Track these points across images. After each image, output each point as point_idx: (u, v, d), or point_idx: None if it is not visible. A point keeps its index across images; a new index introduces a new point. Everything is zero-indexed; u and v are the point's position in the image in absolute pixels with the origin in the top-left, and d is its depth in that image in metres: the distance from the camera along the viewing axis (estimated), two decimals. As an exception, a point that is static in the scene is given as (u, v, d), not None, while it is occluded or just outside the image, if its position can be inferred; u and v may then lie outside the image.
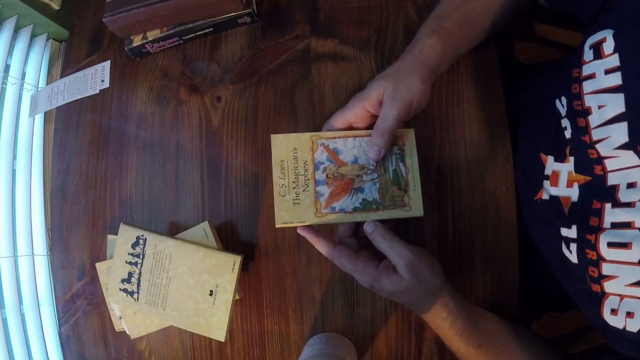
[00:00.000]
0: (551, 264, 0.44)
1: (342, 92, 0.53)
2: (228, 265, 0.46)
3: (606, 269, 0.35)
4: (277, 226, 0.43)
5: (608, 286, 0.35)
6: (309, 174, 0.44)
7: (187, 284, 0.46)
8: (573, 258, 0.39)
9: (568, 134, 0.40)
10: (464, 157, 0.50)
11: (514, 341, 0.43)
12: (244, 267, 0.50)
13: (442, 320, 0.41)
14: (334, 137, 0.45)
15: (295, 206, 0.44)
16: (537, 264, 0.49)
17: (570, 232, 0.39)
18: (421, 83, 0.43)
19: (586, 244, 0.37)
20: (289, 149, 0.44)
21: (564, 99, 0.41)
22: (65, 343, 0.57)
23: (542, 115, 0.46)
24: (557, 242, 0.41)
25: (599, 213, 0.36)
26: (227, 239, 0.53)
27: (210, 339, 0.52)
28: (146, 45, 0.57)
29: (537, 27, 0.66)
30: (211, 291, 0.46)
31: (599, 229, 0.36)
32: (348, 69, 0.54)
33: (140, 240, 0.48)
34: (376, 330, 0.50)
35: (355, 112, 0.44)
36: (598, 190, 0.37)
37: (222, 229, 0.53)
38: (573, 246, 0.39)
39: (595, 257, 0.36)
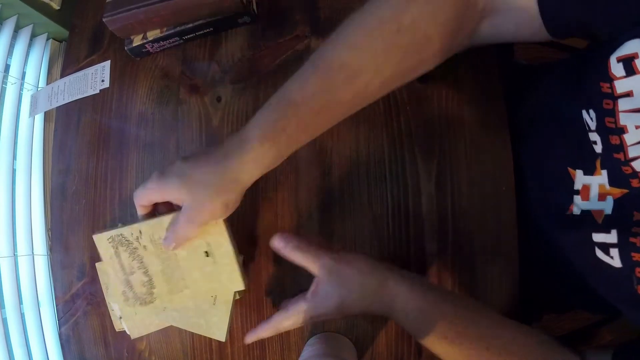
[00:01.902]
0: (580, 270, 0.42)
1: (342, 92, 0.53)
2: None
3: None
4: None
5: None
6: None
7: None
8: (615, 262, 0.37)
9: (598, 148, 0.38)
10: (464, 157, 0.50)
11: (481, 304, 0.44)
12: (245, 268, 0.50)
13: (397, 313, 0.40)
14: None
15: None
16: (539, 264, 0.49)
17: (609, 237, 0.38)
18: (224, 208, 0.39)
19: (631, 247, 0.36)
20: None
21: (592, 112, 0.38)
22: (65, 343, 0.57)
23: (562, 128, 0.44)
24: (588, 248, 0.40)
25: None
26: (227, 239, 0.53)
27: (211, 339, 0.52)
28: (146, 45, 0.57)
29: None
30: (206, 252, 0.45)
31: None
32: (348, 69, 0.54)
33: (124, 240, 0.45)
34: (376, 330, 0.50)
35: (150, 199, 0.42)
36: (638, 202, 0.36)
37: (222, 229, 0.53)
38: (614, 251, 0.37)
39: None
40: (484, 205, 0.49)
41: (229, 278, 0.45)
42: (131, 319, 0.50)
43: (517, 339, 0.41)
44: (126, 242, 0.45)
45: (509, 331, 0.41)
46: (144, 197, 0.41)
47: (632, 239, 0.36)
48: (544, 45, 0.69)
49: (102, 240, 0.45)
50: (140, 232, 0.44)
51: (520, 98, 0.53)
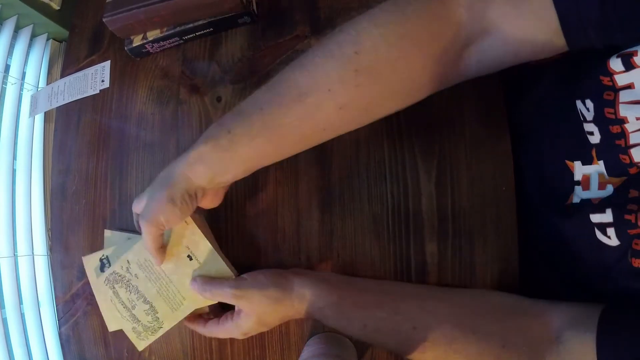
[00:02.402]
0: (581, 255, 0.42)
1: (342, 92, 0.53)
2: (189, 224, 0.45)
3: None
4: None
5: None
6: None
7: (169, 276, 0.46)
8: (613, 241, 0.37)
9: (595, 139, 0.39)
10: (464, 157, 0.50)
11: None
12: (244, 267, 0.50)
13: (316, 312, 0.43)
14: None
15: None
16: (540, 262, 0.49)
17: (605, 217, 0.38)
18: (170, 202, 0.39)
19: (625, 224, 0.36)
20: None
21: (589, 103, 0.39)
22: (65, 343, 0.57)
23: (557, 121, 0.45)
24: (588, 230, 0.40)
25: (638, 201, 0.36)
26: (227, 238, 0.53)
27: (210, 340, 0.52)
28: (146, 45, 0.57)
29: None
30: (189, 256, 0.45)
31: (638, 211, 0.35)
32: (348, 69, 0.54)
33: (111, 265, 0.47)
34: (376, 330, 0.50)
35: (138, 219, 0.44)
36: (636, 183, 0.36)
37: (222, 228, 0.53)
38: (610, 230, 0.37)
39: (639, 232, 0.35)
40: (484, 205, 0.49)
41: (218, 273, 0.45)
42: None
43: (452, 309, 0.43)
44: (119, 277, 0.46)
45: (443, 304, 0.43)
46: (136, 219, 0.45)
47: (627, 216, 0.36)
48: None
49: (100, 286, 0.47)
50: (128, 262, 0.46)
51: (519, 98, 0.53)
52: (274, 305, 0.42)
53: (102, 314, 0.47)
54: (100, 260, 0.49)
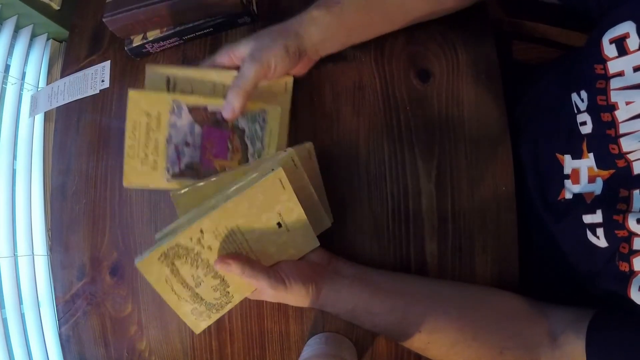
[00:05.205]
0: (574, 256, 0.43)
1: (342, 92, 0.53)
2: (276, 187, 0.39)
3: (637, 243, 0.35)
4: (125, 185, 0.46)
5: (637, 262, 0.35)
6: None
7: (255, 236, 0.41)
8: (602, 242, 0.38)
9: (587, 129, 0.39)
10: (464, 157, 0.50)
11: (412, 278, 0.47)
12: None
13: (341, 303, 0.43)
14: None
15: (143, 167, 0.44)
16: (540, 262, 0.49)
17: (595, 217, 0.39)
18: (284, 50, 0.43)
19: (614, 225, 0.37)
20: (145, 111, 0.45)
21: (583, 93, 0.40)
22: (65, 343, 0.57)
23: (553, 115, 0.46)
24: (580, 231, 0.40)
25: (627, 200, 0.36)
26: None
27: (210, 340, 0.52)
28: (146, 45, 0.57)
29: (536, 27, 0.66)
30: (279, 223, 0.40)
31: (626, 211, 0.36)
32: (348, 69, 0.54)
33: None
34: (376, 330, 0.50)
35: (222, 62, 0.46)
36: (624, 180, 0.37)
37: (222, 229, 0.53)
38: (600, 231, 0.38)
39: (626, 234, 0.36)
40: (484, 205, 0.49)
41: (304, 240, 0.42)
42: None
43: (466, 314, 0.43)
44: (184, 252, 0.38)
45: (451, 310, 0.43)
46: (222, 53, 0.47)
47: (615, 217, 0.37)
48: (544, 45, 0.69)
49: (151, 264, 0.37)
50: (201, 231, 0.38)
51: (520, 98, 0.54)
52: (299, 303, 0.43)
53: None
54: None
